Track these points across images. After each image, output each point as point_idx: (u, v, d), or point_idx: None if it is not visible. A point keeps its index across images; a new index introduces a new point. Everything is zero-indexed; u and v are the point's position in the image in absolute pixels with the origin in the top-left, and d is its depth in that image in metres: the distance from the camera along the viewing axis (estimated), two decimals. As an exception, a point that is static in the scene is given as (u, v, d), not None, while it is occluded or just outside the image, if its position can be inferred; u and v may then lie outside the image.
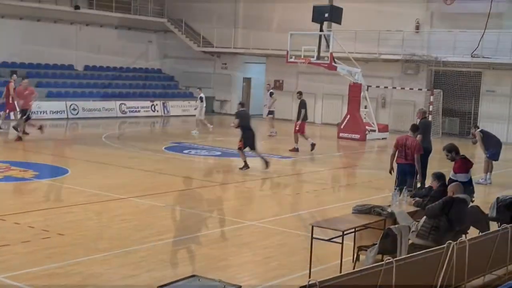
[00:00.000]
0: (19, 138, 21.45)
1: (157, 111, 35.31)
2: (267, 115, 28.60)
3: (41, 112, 30.03)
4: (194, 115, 28.51)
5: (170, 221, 11.56)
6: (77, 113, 31.72)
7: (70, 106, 31.72)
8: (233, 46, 37.77)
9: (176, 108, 36.50)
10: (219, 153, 21.20)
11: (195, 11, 39.72)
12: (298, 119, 22.12)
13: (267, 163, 17.43)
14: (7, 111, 24.69)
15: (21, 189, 13.72)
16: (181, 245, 9.98)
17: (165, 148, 21.75)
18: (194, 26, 40.01)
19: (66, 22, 36.66)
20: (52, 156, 19.14)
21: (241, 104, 18.57)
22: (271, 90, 28.69)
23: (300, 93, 23.28)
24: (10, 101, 23.82)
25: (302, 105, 22.39)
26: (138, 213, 12.04)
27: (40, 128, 22.26)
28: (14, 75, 25.50)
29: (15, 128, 22.44)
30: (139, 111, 34.61)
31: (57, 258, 8.74)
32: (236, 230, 11.20)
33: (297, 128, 22.05)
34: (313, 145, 21.92)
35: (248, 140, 17.37)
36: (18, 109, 23.31)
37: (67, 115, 31.43)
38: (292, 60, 28.76)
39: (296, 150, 21.82)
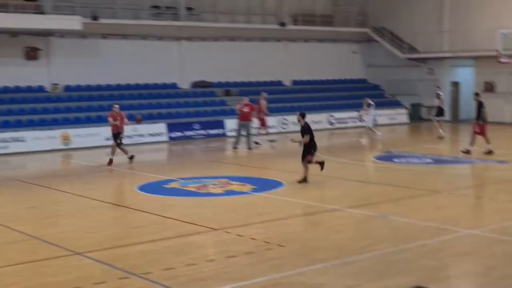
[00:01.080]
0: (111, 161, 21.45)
1: (365, 121, 35.34)
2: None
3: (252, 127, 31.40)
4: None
5: (386, 231, 11.54)
6: (286, 127, 32.77)
7: (279, 120, 32.89)
8: (440, 50, 36.80)
9: (383, 117, 36.26)
10: (430, 160, 20.76)
11: (398, 18, 39.33)
12: (478, 119, 21.39)
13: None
14: (261, 126, 27.06)
15: (241, 203, 14.48)
16: (398, 255, 9.93)
17: (375, 158, 21.74)
18: (398, 33, 39.57)
19: (273, 39, 38.05)
20: (267, 170, 19.91)
21: (302, 115, 16.99)
22: None
23: (477, 94, 22.47)
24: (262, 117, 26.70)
25: (481, 105, 21.58)
26: (353, 223, 12.18)
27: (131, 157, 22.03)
28: (264, 93, 27.80)
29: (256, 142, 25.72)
30: (346, 122, 34.95)
31: (280, 269, 9.12)
32: (454, 239, 10.90)
33: (477, 130, 21.36)
34: (489, 151, 21.04)
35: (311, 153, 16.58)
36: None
37: (279, 129, 32.61)
38: (504, 60, 27.40)
39: (467, 152, 21.29)
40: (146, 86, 34.29)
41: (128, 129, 28.96)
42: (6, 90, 30.37)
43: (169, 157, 27.00)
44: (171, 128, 30.59)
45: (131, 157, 21.90)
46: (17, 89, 30.73)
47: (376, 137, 27.43)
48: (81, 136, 27.92)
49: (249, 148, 24.95)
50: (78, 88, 32.43)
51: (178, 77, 35.28)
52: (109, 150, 21.76)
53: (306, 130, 16.45)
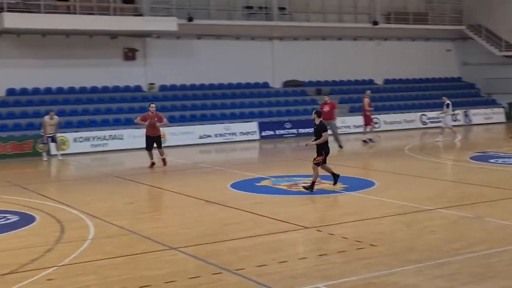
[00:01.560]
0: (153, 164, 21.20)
1: (458, 120, 34.48)
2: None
3: (344, 126, 31.26)
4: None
5: (482, 233, 11.25)
6: (379, 126, 32.38)
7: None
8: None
9: (478, 116, 35.35)
10: (529, 161, 20.07)
11: (495, 14, 38.14)
12: None
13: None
14: (366, 125, 27.26)
15: (332, 202, 14.46)
16: (495, 258, 9.66)
17: (469, 158, 21.21)
18: (494, 30, 38.38)
19: (365, 38, 37.72)
20: (359, 169, 19.79)
21: (318, 114, 15.83)
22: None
23: None
24: (367, 114, 26.90)
25: None
26: (447, 224, 11.95)
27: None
28: (368, 91, 27.87)
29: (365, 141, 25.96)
30: (439, 121, 34.15)
31: (372, 268, 9.07)
32: (555, 243, 10.51)
33: None
34: None
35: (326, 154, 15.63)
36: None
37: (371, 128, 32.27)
38: None
39: None
40: (239, 86, 34.73)
41: (221, 127, 29.53)
42: (105, 90, 31.52)
43: (260, 155, 27.26)
44: (262, 127, 30.87)
45: (156, 163, 20.99)
46: (116, 89, 31.82)
47: (456, 138, 26.61)
48: (175, 134, 28.61)
49: (340, 147, 24.90)
50: (173, 87, 33.23)
51: (270, 76, 35.54)
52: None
53: (322, 128, 15.46)
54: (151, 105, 21.18)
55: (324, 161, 15.52)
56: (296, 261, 9.70)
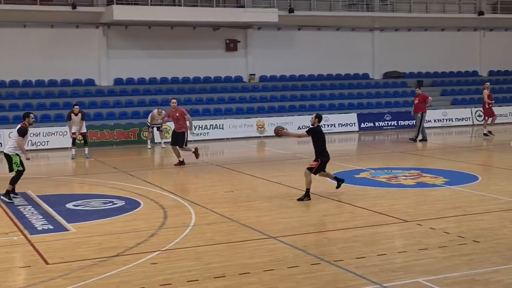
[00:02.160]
0: (195, 153, 19.93)
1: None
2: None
3: (446, 119, 30.62)
4: None
5: None
6: (482, 120, 31.44)
7: (475, 112, 31.63)
8: None
9: None
10: None
11: None
12: None
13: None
14: (487, 118, 26.72)
15: (433, 195, 14.21)
16: None
17: None
18: None
19: (469, 29, 36.66)
20: (461, 163, 19.32)
21: (318, 117, 14.40)
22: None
23: None
24: (487, 107, 26.39)
25: None
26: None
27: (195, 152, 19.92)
28: (487, 83, 27.37)
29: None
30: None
31: (475, 265, 8.88)
32: None
33: None
34: None
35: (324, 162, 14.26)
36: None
37: (472, 121, 31.41)
38: None
39: None
40: (338, 77, 34.58)
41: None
42: (207, 80, 32.17)
43: (359, 147, 27.06)
44: (361, 118, 30.63)
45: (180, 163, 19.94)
46: (217, 79, 32.41)
47: None
48: (274, 125, 28.76)
49: (414, 139, 25.04)
50: (273, 78, 33.48)
51: (370, 67, 35.18)
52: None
53: (313, 131, 14.09)
54: (172, 100, 20.22)
55: (321, 168, 14.11)
56: (395, 254, 9.64)
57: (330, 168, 15.29)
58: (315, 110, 31.04)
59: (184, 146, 19.81)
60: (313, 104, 31.78)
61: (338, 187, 14.54)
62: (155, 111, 25.15)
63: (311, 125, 14.25)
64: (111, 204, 13.91)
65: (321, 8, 34.18)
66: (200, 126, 27.64)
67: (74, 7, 29.12)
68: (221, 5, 31.58)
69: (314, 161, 14.03)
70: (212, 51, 32.16)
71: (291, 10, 32.61)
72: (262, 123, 28.81)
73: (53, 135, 25.37)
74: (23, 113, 15.54)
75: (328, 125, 29.40)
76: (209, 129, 27.82)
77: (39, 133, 25.18)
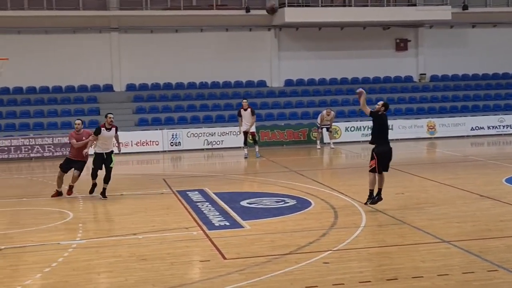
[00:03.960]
0: None
1: None
2: None
3: None
4: None
5: None
6: None
7: None
8: None
9: None
10: None
11: None
12: None
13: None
14: None
15: None
16: None
17: None
18: None
19: None
20: None
21: (385, 106, 13.22)
22: None
23: None
24: None
25: None
26: None
27: None
28: None
29: None
30: None
31: None
32: None
33: None
34: None
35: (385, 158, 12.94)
36: None
37: None
38: None
39: None
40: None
41: (495, 119, 28.24)
42: (376, 80, 31.96)
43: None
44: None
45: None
46: (387, 79, 32.08)
47: None
48: (446, 126, 28.07)
49: None
50: (444, 78, 32.59)
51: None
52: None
53: (374, 115, 13.01)
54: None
55: (381, 168, 12.94)
56: None
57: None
58: (489, 110, 29.89)
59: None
60: (487, 104, 30.51)
61: (366, 203, 13.26)
62: (325, 111, 25.40)
63: (377, 109, 13.11)
64: (283, 203, 14.28)
65: (498, 3, 32.68)
66: (369, 127, 27.45)
67: (247, 10, 30.11)
68: (391, 4, 31.24)
69: (371, 159, 13.00)
70: (381, 50, 31.89)
71: (465, 7, 31.52)
72: (433, 124, 28.11)
73: (227, 135, 26.40)
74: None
75: (503, 126, 28.11)
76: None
77: (214, 133, 26.33)
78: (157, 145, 25.79)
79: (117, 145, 15.82)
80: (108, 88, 29.98)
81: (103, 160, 15.32)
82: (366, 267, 9.22)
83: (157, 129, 26.60)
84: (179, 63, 30.35)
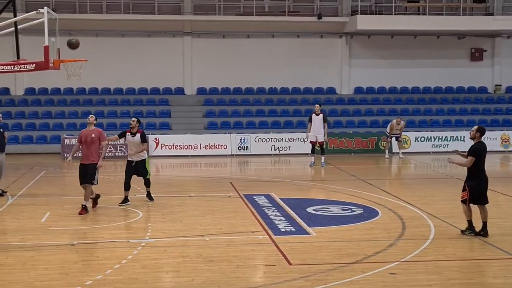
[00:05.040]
0: None
1: None
2: None
3: None
4: None
5: None
6: None
7: None
8: None
9: None
10: None
11: None
12: None
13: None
14: None
15: None
16: None
17: None
18: None
19: None
20: None
21: (480, 131, 11.86)
22: None
23: None
24: None
25: None
26: None
27: None
28: None
29: None
30: None
31: None
32: None
33: None
34: None
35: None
36: None
37: None
38: None
39: None
40: None
41: None
42: (449, 90, 31.41)
43: None
44: None
45: None
46: (460, 90, 31.46)
47: None
48: (514, 139, 27.37)
49: None
50: (521, 89, 31.74)
51: None
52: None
53: (473, 151, 11.68)
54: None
55: (472, 200, 11.61)
56: None
57: None
58: None
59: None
60: None
61: (464, 231, 11.88)
62: (394, 120, 25.09)
63: (474, 140, 11.87)
64: (349, 211, 14.18)
65: None
66: (440, 137, 26.98)
67: (319, 17, 30.05)
68: (467, 13, 30.63)
69: (463, 191, 11.79)
70: (455, 60, 31.30)
71: (544, 18, 30.65)
72: (507, 136, 27.37)
73: (294, 141, 26.36)
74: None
75: None
76: (449, 140, 27.02)
77: (282, 138, 26.35)
78: (225, 148, 26.01)
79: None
80: (180, 91, 30.46)
81: (135, 169, 14.75)
82: (434, 280, 9.05)
83: (225, 133, 26.85)
84: (250, 68, 30.56)
